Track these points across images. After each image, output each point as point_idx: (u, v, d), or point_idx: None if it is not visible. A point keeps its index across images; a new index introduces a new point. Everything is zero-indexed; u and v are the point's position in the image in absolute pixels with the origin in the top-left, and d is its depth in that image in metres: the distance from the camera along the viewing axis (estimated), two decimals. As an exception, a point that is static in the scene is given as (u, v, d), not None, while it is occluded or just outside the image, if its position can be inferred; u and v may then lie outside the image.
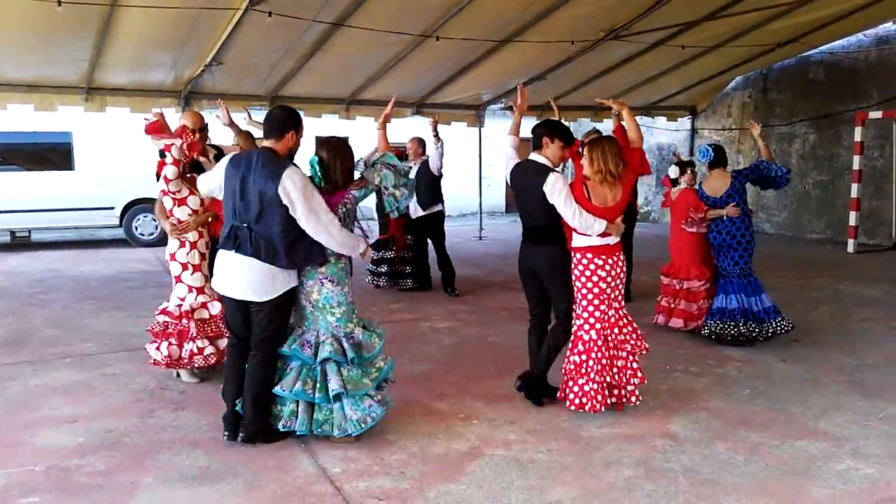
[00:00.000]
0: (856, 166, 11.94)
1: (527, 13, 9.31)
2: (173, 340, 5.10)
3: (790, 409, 4.73)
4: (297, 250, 4.02)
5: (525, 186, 4.69)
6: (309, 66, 10.37)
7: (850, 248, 11.95)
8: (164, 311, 5.20)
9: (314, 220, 3.95)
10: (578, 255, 4.60)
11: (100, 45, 8.82)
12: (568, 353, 4.68)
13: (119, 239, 13.87)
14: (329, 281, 4.14)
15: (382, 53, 10.26)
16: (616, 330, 4.62)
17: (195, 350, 5.10)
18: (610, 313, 4.63)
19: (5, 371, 5.60)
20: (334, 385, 4.02)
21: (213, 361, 5.11)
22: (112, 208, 13.12)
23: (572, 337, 4.69)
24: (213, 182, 4.25)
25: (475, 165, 14.79)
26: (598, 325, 4.59)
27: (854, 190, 12.00)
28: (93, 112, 10.69)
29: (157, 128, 4.95)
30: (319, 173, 4.09)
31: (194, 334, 5.10)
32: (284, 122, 4.10)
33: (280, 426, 4.12)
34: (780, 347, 6.12)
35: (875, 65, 12.69)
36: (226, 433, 4.20)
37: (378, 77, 11.20)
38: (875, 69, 12.69)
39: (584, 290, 4.60)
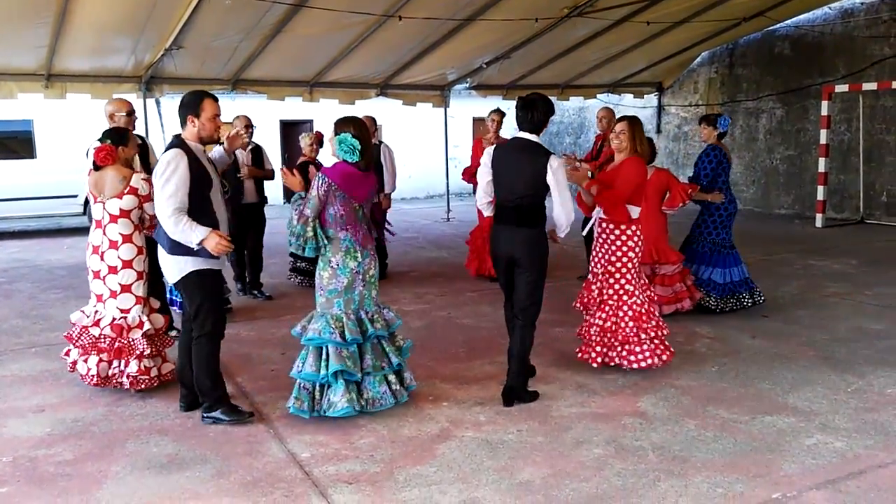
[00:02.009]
0: (823, 140, 12.01)
1: (489, -9, 9.23)
2: (105, 357, 4.65)
3: (759, 384, 4.72)
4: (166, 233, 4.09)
5: (517, 164, 4.43)
6: (270, 49, 10.21)
7: (819, 223, 12.06)
8: (97, 324, 4.72)
9: (157, 197, 3.98)
10: (634, 227, 4.86)
11: (58, 31, 8.66)
12: (616, 321, 4.86)
13: (84, 227, 13.53)
14: (376, 257, 4.36)
15: (345, 34, 10.12)
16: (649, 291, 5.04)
17: (143, 368, 4.67)
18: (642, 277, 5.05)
19: (-30, 362, 5.51)
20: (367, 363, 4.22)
21: (157, 384, 4.77)
22: (76, 196, 12.85)
23: (613, 306, 4.90)
24: None
25: (441, 146, 14.69)
26: (641, 288, 4.95)
27: (821, 164, 12.08)
28: (53, 99, 10.56)
29: (108, 157, 4.74)
30: (359, 148, 4.15)
31: (146, 352, 4.70)
32: (182, 110, 4.15)
33: (336, 413, 4.10)
34: (748, 323, 6.12)
35: (841, 38, 12.76)
36: (181, 404, 4.45)
37: (341, 58, 11.05)
38: (841, 43, 12.75)
39: (630, 261, 4.90)
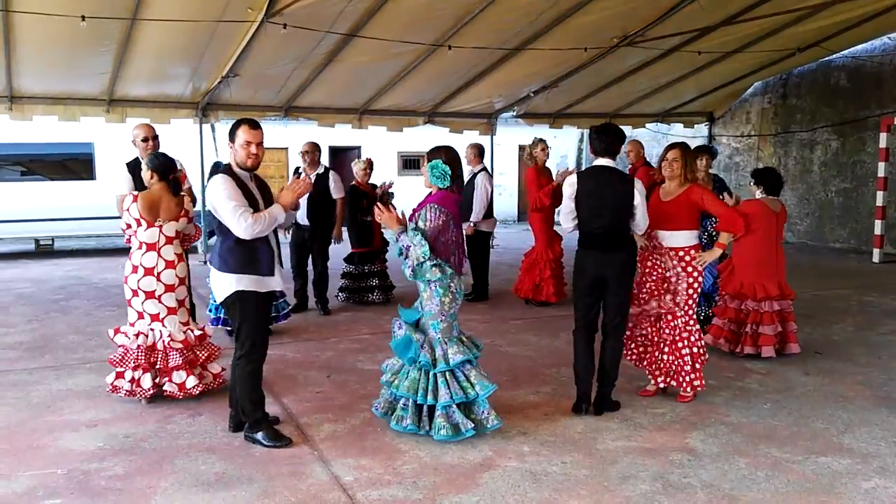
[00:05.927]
0: (881, 173, 11.69)
1: (538, 21, 9.25)
2: (186, 369, 5.01)
3: (813, 423, 4.57)
4: (223, 252, 4.17)
5: (607, 192, 4.62)
6: (322, 77, 10.43)
7: (876, 258, 11.69)
8: (175, 340, 4.99)
9: (226, 217, 4.05)
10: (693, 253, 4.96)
11: (121, 59, 9.05)
12: (680, 348, 4.88)
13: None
14: None
15: (395, 63, 10.27)
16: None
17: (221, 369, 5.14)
18: None
19: (30, 375, 5.70)
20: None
21: (215, 385, 5.14)
22: None
23: (679, 333, 4.92)
24: None
25: (488, 174, 14.71)
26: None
27: (879, 198, 11.74)
28: (113, 123, 10.96)
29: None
30: (449, 174, 4.31)
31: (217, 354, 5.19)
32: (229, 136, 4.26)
33: (492, 427, 4.30)
34: (801, 360, 5.94)
35: (899, 70, 12.46)
36: (229, 424, 4.49)
37: (390, 87, 11.20)
38: (899, 74, 12.45)
39: (696, 285, 4.92)
